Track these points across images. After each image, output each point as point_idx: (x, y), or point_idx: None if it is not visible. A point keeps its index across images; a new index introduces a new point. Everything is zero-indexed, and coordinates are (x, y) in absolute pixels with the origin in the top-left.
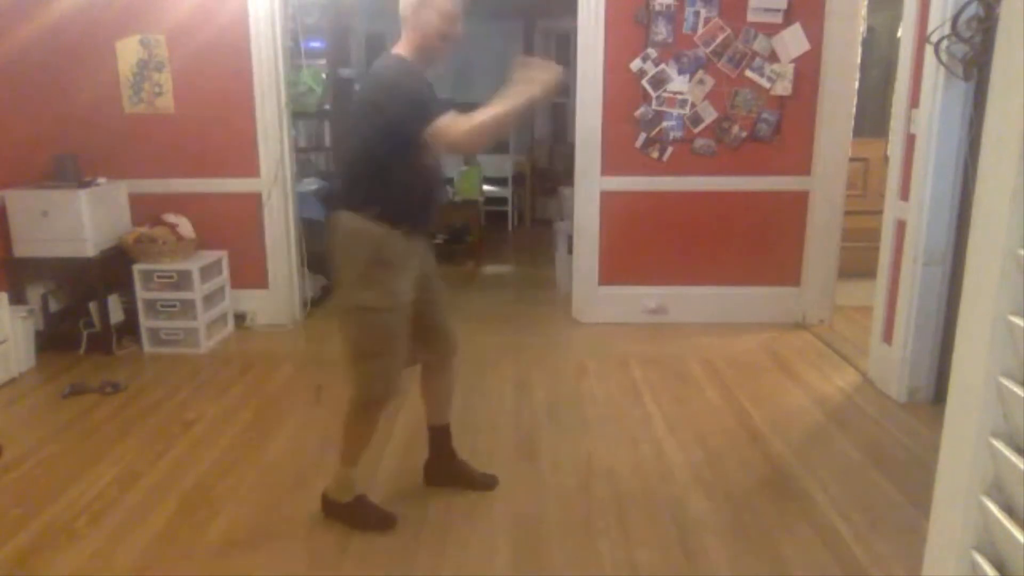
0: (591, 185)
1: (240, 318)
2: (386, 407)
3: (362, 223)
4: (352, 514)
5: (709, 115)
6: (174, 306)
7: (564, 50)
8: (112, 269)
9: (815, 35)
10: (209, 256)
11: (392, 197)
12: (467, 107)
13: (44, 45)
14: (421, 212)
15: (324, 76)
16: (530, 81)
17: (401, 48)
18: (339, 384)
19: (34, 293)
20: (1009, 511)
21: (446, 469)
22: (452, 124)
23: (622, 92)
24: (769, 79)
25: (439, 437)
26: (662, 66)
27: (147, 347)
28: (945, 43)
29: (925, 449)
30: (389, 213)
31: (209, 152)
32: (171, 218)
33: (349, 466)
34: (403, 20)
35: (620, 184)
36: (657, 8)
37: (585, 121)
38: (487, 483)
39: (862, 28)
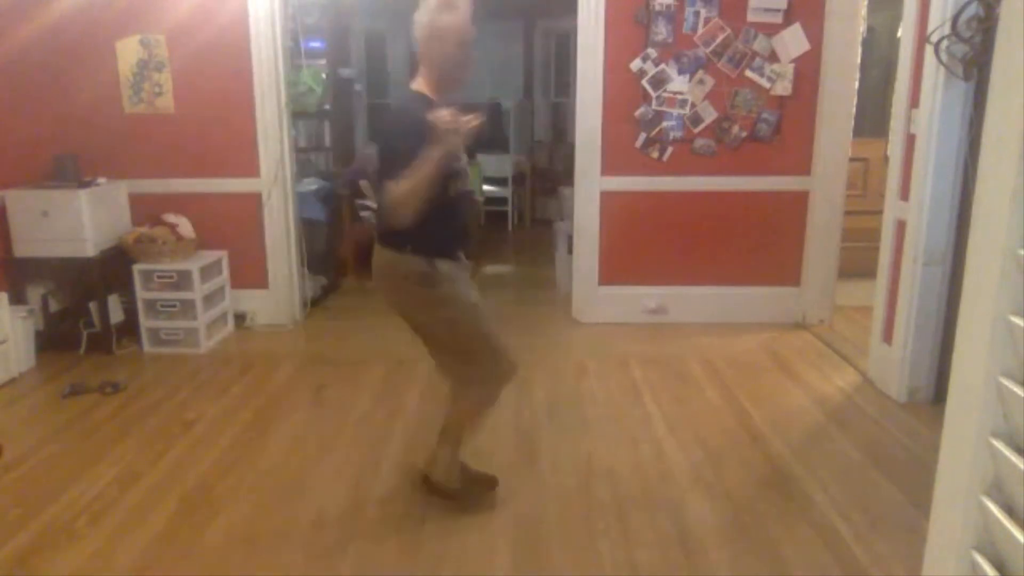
0: (591, 185)
1: (240, 318)
2: (503, 387)
3: (404, 260)
4: (466, 493)
5: (709, 115)
6: (174, 306)
7: (564, 50)
8: (112, 269)
9: (815, 35)
10: (209, 256)
11: (426, 231)
12: (467, 107)
13: (44, 45)
14: (455, 238)
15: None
16: (439, 140)
17: (419, 83)
18: (339, 384)
19: (34, 293)
20: (1009, 511)
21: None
22: (393, 189)
23: (622, 92)
24: (769, 79)
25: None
26: (662, 66)
27: (147, 347)
28: (945, 43)
29: (925, 449)
30: (427, 246)
31: (209, 152)
32: (171, 218)
33: (458, 447)
34: (419, 54)
35: (620, 184)
36: (657, 8)
37: (585, 121)
38: (486, 483)
39: (862, 28)
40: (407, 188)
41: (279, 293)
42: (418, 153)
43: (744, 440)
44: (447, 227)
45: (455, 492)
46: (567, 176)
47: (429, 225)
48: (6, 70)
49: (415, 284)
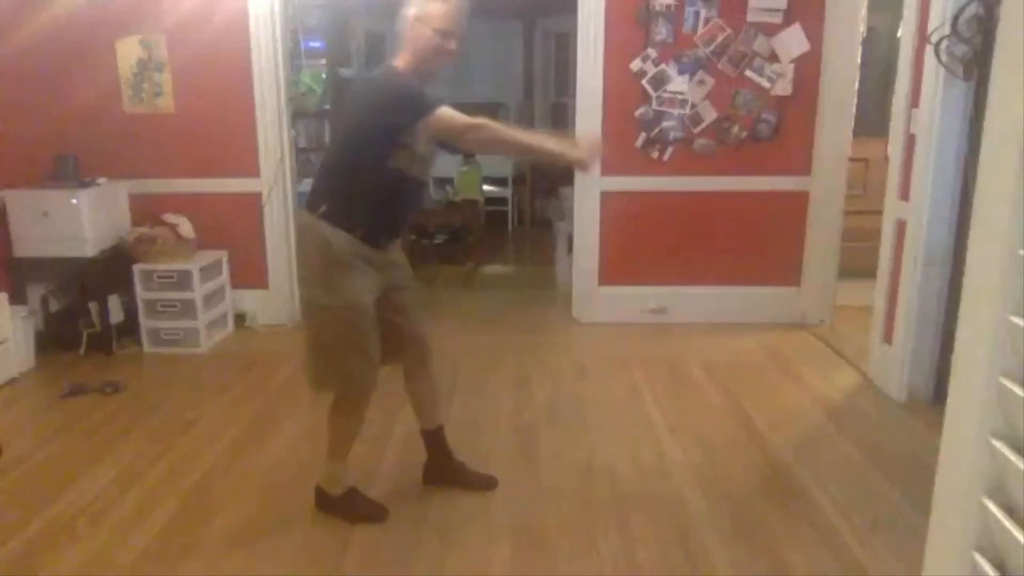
0: (591, 185)
1: (240, 318)
2: (361, 403)
3: (317, 224)
4: (343, 506)
5: (709, 115)
6: (174, 306)
7: (564, 50)
8: (112, 269)
9: (815, 35)
10: (209, 256)
11: (348, 200)
12: (466, 107)
13: (44, 45)
14: (382, 219)
15: (324, 76)
16: (573, 148)
17: (398, 61)
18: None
19: (34, 293)
20: (1009, 511)
21: (444, 470)
22: (468, 118)
23: (622, 92)
24: (769, 79)
25: (433, 440)
26: (662, 66)
27: (147, 347)
28: (945, 43)
29: (925, 449)
30: (340, 215)
31: (209, 152)
32: (171, 218)
33: (337, 460)
34: (400, 35)
35: (620, 184)
36: (657, 8)
37: (585, 121)
38: (486, 484)
39: (862, 28)
40: (506, 135)
41: (279, 293)
42: (425, 100)
43: (744, 440)
44: (377, 201)
45: (334, 500)
46: (567, 176)
47: (362, 197)
48: (6, 70)
49: (313, 249)
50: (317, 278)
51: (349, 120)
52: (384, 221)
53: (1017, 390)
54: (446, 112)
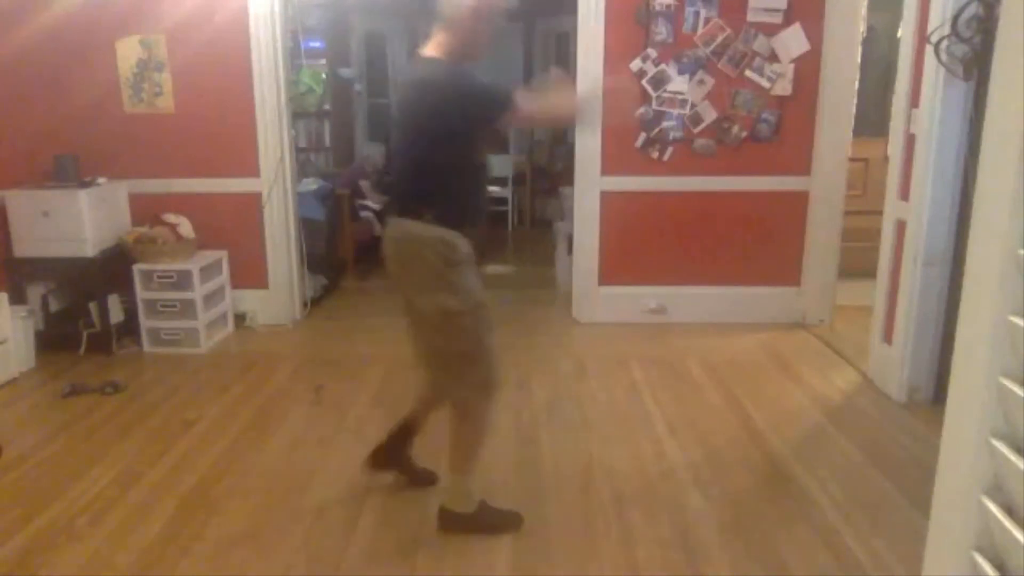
0: (591, 185)
1: (240, 318)
2: (493, 406)
3: (432, 230)
4: (477, 523)
5: (709, 115)
6: (174, 306)
7: (564, 50)
8: (112, 269)
9: (815, 35)
10: (209, 256)
11: (452, 199)
12: None
13: (44, 45)
14: (476, 211)
15: (324, 76)
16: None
17: (441, 53)
18: (339, 384)
19: (34, 293)
20: (1009, 511)
21: (394, 458)
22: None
23: (622, 92)
24: (769, 79)
25: (408, 431)
26: (662, 66)
27: (147, 347)
28: (945, 43)
29: (925, 449)
30: (450, 215)
31: (209, 152)
32: (171, 218)
33: (468, 473)
34: (447, 23)
35: (620, 184)
36: (657, 8)
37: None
38: (427, 479)
39: (862, 28)
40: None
41: (279, 293)
42: (500, 119)
43: (744, 440)
44: (472, 194)
45: (467, 519)
46: (567, 176)
47: (455, 192)
48: (6, 70)
49: (433, 255)
50: (442, 284)
51: (425, 122)
52: (477, 215)
53: (1017, 390)
54: (522, 98)
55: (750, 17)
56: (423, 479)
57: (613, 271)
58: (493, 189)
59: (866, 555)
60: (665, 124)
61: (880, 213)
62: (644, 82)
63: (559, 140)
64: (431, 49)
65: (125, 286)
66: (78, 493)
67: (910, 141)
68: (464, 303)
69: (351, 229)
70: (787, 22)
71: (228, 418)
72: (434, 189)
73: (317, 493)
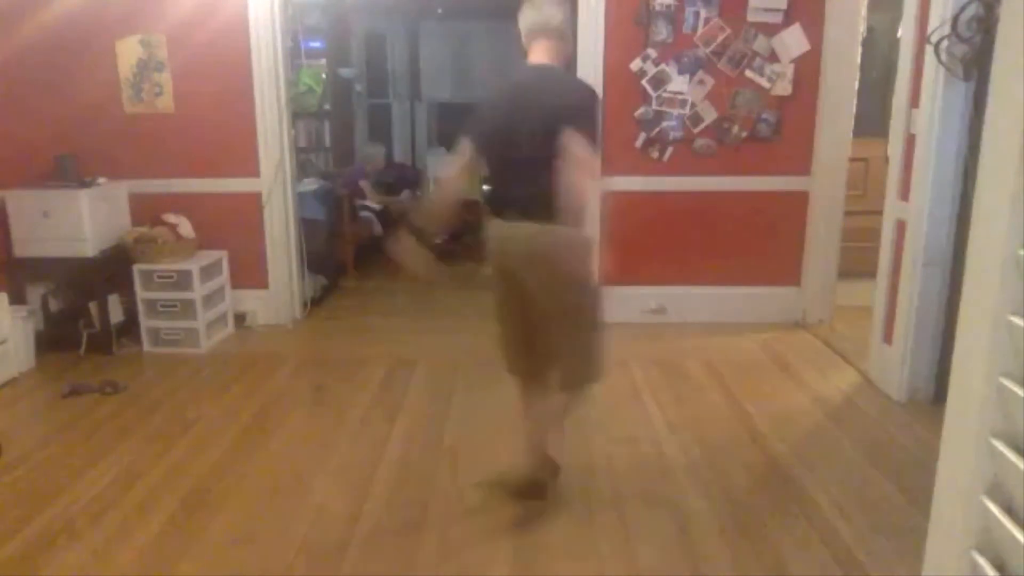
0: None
1: (240, 318)
2: None
3: (574, 232)
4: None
5: (709, 115)
6: (174, 306)
7: None
8: (112, 269)
9: (815, 35)
10: (209, 256)
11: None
12: (468, 107)
13: (44, 45)
14: None
15: (324, 76)
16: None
17: (552, 60)
18: (339, 384)
19: (34, 293)
20: (1009, 511)
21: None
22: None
23: (622, 92)
24: (769, 79)
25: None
26: (662, 66)
27: (147, 347)
28: (945, 43)
29: (925, 449)
30: (572, 219)
31: (209, 152)
32: (171, 218)
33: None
34: (554, 32)
35: (620, 184)
36: (657, 8)
37: None
38: (555, 471)
39: (862, 28)
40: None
41: (279, 293)
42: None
43: (744, 440)
44: None
45: (545, 483)
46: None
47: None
48: (6, 70)
49: (586, 255)
50: (590, 279)
51: (567, 125)
52: None
53: (1017, 390)
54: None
55: (750, 17)
56: (553, 473)
57: (613, 271)
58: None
59: (866, 555)
60: (665, 124)
61: (880, 213)
62: (644, 82)
63: None
64: (541, 57)
65: (125, 286)
66: (78, 493)
67: (910, 141)
68: (599, 294)
69: (351, 229)
70: (787, 22)
71: (228, 418)
72: (557, 193)
73: (317, 493)
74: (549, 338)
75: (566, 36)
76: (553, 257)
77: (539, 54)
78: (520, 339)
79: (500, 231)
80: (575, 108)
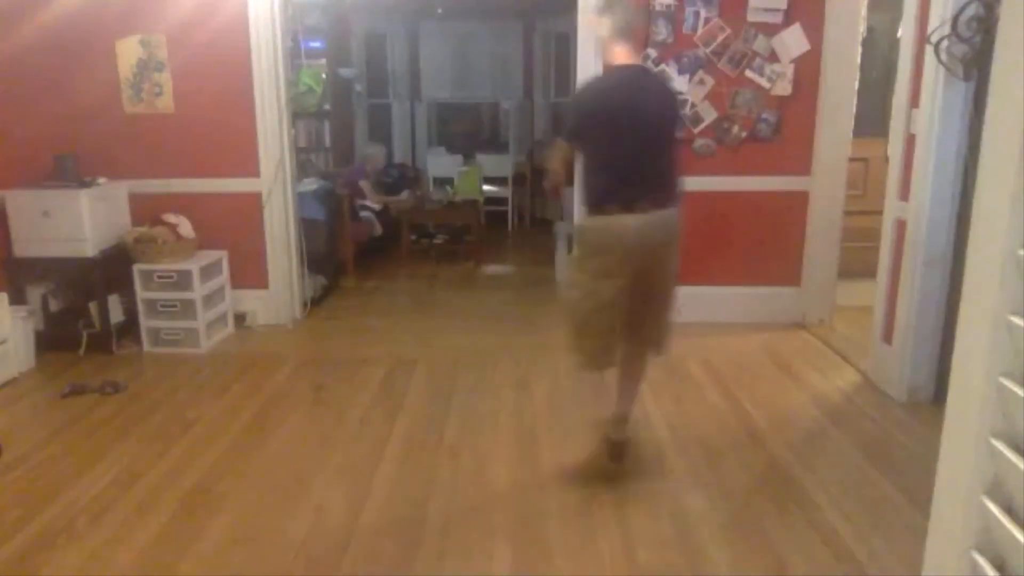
0: None
1: (240, 318)
2: None
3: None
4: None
5: (709, 115)
6: (174, 306)
7: (564, 50)
8: (112, 269)
9: (815, 35)
10: (209, 256)
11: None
12: (467, 107)
13: (44, 45)
14: None
15: (324, 76)
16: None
17: (637, 60)
18: (339, 384)
19: (34, 293)
20: (1009, 511)
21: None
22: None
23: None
24: (769, 79)
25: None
26: (662, 66)
27: (147, 347)
28: (945, 43)
29: (925, 449)
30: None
31: (209, 152)
32: (171, 218)
33: None
34: (633, 32)
35: None
36: (657, 8)
37: None
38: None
39: (862, 28)
40: None
41: (279, 293)
42: None
43: (744, 440)
44: None
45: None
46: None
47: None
48: (6, 70)
49: (680, 231)
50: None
51: (672, 124)
52: None
53: (1017, 390)
54: None
55: (750, 17)
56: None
57: None
58: (493, 189)
59: (866, 555)
60: None
61: (880, 213)
62: None
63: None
64: (629, 58)
65: (125, 286)
66: (78, 493)
67: (910, 141)
68: None
69: (351, 229)
70: (787, 22)
71: (228, 418)
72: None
73: (317, 493)
74: (653, 314)
75: (638, 35)
76: (677, 236)
77: (626, 55)
78: (626, 324)
79: (637, 222)
80: (677, 105)
